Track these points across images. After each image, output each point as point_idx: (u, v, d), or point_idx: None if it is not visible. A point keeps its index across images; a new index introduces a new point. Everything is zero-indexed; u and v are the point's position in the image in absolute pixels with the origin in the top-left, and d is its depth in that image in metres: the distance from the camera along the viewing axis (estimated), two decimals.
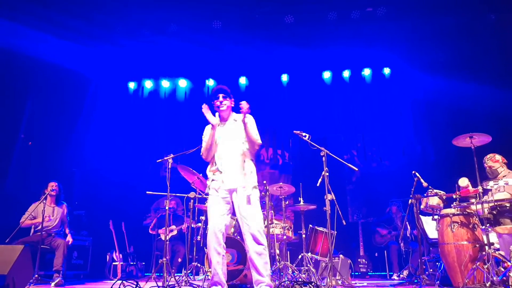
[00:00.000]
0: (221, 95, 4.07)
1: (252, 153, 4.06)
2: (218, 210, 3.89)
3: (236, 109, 4.14)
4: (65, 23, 7.74)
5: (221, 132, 4.06)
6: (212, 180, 4.00)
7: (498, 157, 5.39)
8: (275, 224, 5.77)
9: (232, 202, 3.95)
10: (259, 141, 4.03)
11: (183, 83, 9.87)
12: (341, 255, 6.25)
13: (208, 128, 4.15)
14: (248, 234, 3.77)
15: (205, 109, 4.01)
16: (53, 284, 5.58)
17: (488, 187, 4.46)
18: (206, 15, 8.23)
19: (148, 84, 9.96)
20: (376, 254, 8.03)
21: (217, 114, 4.14)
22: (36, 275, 5.55)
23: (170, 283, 4.70)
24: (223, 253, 3.87)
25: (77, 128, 9.02)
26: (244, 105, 3.88)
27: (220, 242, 3.83)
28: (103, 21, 8.06)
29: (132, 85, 9.98)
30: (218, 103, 4.07)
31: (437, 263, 5.65)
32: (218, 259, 3.81)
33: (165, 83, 9.88)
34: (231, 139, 4.01)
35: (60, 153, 8.44)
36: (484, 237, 4.32)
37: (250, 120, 4.05)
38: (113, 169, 9.11)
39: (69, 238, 6.46)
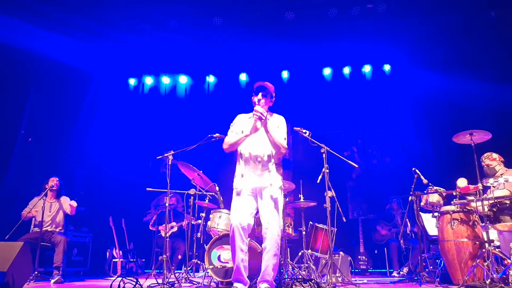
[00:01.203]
0: (260, 93, 3.97)
1: (276, 157, 4.02)
2: (244, 208, 3.87)
3: (273, 108, 4.10)
4: (65, 19, 7.73)
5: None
6: (240, 177, 3.97)
7: (495, 155, 5.42)
8: None
9: (257, 201, 3.94)
10: (285, 146, 3.94)
11: (183, 79, 9.87)
12: (341, 252, 6.25)
13: (240, 124, 4.06)
14: (267, 233, 3.77)
15: (257, 115, 3.81)
16: (52, 281, 5.59)
17: (488, 184, 4.46)
18: (206, 11, 8.19)
19: (149, 80, 9.96)
20: (376, 252, 8.04)
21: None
22: (36, 272, 5.57)
23: (170, 280, 4.71)
24: (246, 250, 3.85)
25: (78, 124, 9.02)
26: (258, 109, 3.80)
27: (243, 239, 3.81)
28: (104, 17, 8.03)
29: (132, 81, 9.99)
30: (256, 99, 3.98)
31: (437, 260, 5.66)
32: (242, 257, 3.79)
33: (166, 80, 9.88)
34: (261, 139, 3.96)
35: (61, 149, 8.44)
36: (484, 234, 4.33)
37: (274, 124, 3.98)
38: (114, 165, 9.13)
39: (72, 203, 6.42)
